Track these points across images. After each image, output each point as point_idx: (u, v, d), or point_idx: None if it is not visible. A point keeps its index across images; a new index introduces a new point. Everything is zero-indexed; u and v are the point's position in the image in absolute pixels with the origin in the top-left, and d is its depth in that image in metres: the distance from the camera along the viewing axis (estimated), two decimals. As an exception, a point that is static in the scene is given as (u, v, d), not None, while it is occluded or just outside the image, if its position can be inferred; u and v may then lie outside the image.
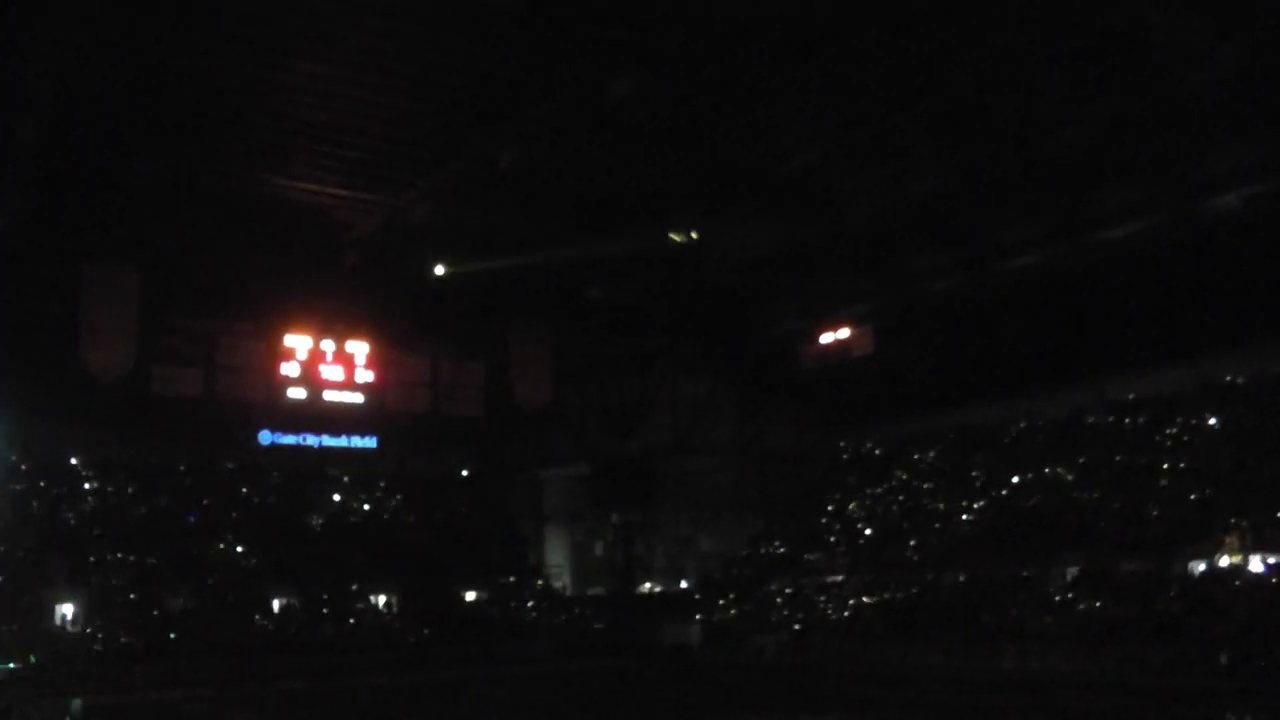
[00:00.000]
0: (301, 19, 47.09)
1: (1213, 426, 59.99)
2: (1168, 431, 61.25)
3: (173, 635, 62.40)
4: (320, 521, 77.19)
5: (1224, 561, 51.45)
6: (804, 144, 58.87)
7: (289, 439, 76.90)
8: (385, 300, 72.78)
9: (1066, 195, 61.79)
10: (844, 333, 77.41)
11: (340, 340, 76.46)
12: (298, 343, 75.19)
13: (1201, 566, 52.15)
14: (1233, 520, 52.07)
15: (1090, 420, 66.12)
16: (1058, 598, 55.75)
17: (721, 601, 74.00)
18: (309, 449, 77.74)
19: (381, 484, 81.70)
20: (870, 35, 49.14)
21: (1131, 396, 65.23)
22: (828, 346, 78.31)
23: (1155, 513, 56.46)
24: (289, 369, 74.95)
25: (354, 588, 71.63)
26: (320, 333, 75.57)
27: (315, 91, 52.59)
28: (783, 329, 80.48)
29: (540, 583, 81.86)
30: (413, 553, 75.00)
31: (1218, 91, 51.63)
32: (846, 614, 65.50)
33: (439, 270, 67.59)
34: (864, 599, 65.71)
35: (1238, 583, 49.80)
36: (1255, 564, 50.24)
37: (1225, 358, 60.85)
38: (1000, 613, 56.67)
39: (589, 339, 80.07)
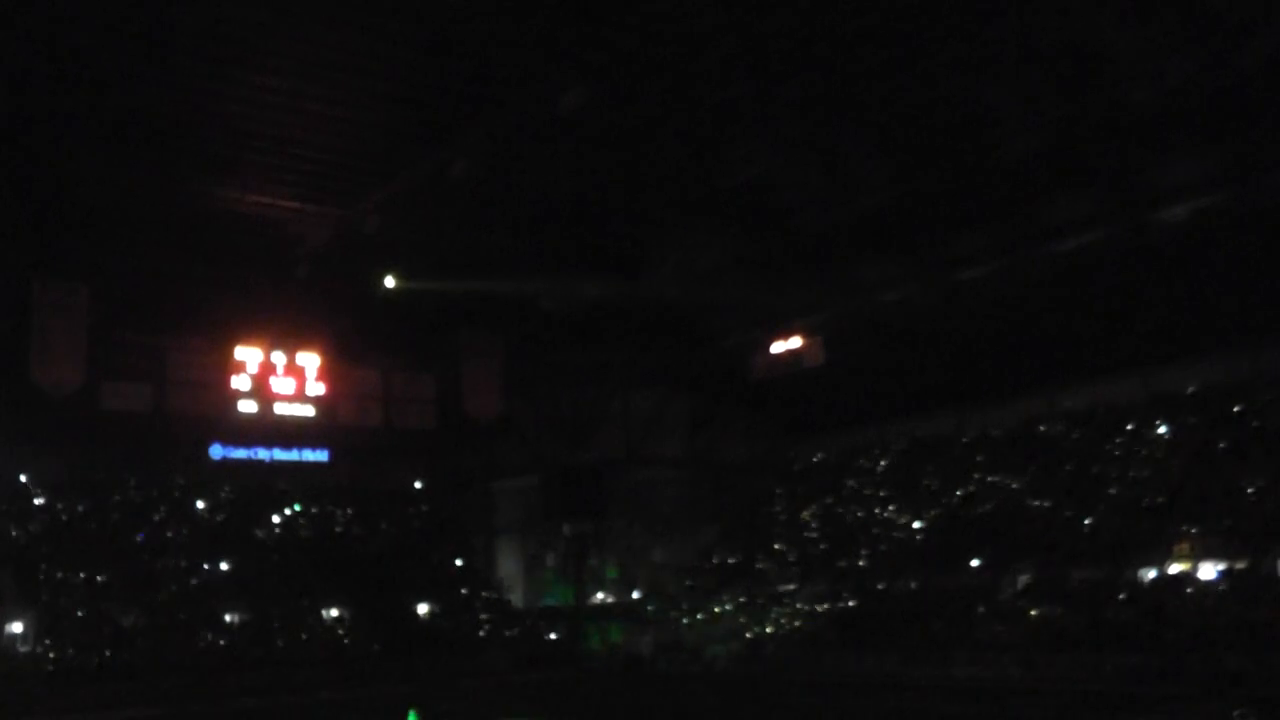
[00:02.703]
0: (250, 31, 46.96)
1: (1162, 435, 60.43)
2: (1118, 441, 61.70)
3: (124, 653, 62.09)
4: (272, 536, 76.92)
5: (1174, 569, 51.86)
6: (754, 154, 59.04)
7: (240, 453, 76.55)
8: (336, 313, 72.47)
9: (1016, 207, 62.08)
10: (795, 343, 77.51)
11: (291, 353, 76.12)
12: (249, 356, 74.84)
13: (1152, 574, 52.54)
14: (1183, 527, 52.51)
15: (1041, 429, 66.51)
16: (1009, 605, 56.12)
17: (674, 612, 74.06)
18: (260, 463, 77.45)
19: (333, 497, 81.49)
20: (821, 46, 49.31)
21: (1082, 406, 65.65)
22: (779, 357, 78.32)
23: (1106, 521, 56.85)
24: (240, 382, 74.51)
25: (305, 602, 71.33)
26: (271, 346, 75.24)
27: (265, 104, 52.43)
28: (734, 340, 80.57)
29: (492, 595, 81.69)
30: (364, 566, 74.77)
31: (1165, 104, 52.03)
32: (799, 623, 65.70)
33: (390, 282, 67.44)
34: (816, 608, 65.95)
35: (1188, 590, 50.26)
36: (1205, 571, 50.65)
37: (1174, 368, 61.29)
38: (952, 621, 56.92)
39: (541, 350, 80.00)
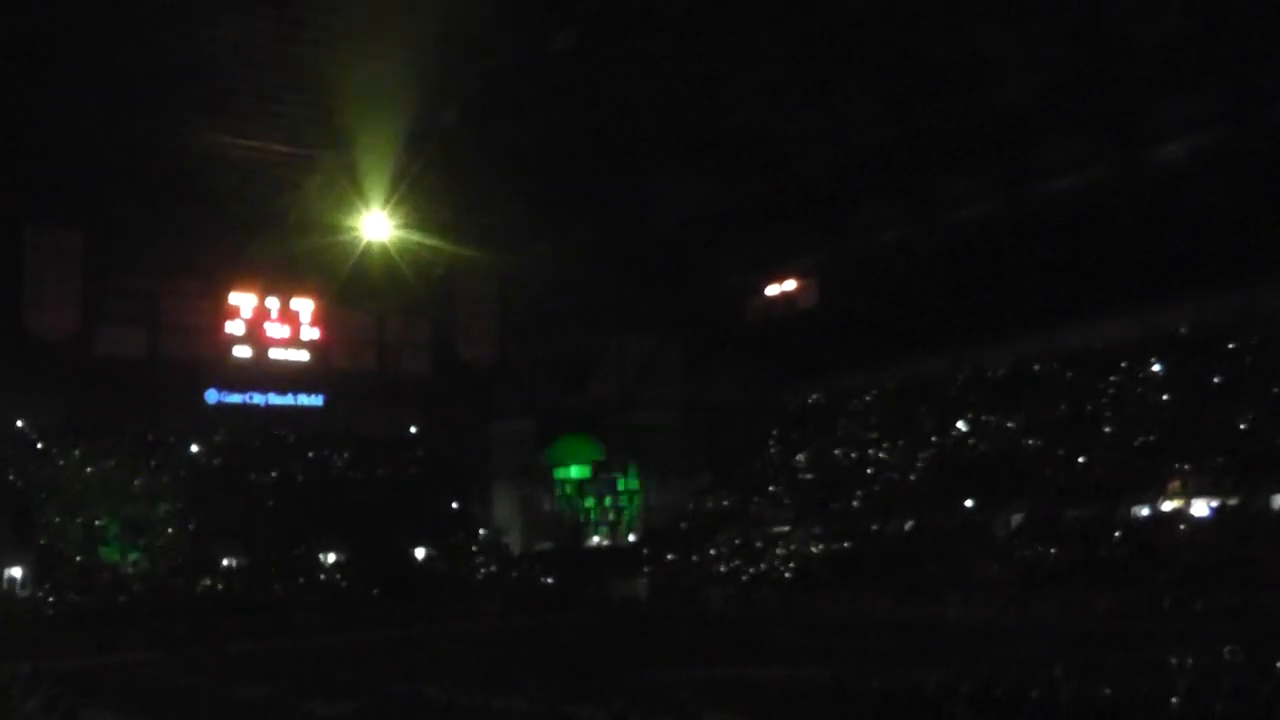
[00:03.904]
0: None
1: (1156, 374, 60.49)
2: (1111, 379, 61.77)
3: (122, 598, 62.23)
4: (268, 481, 77.02)
5: (1167, 506, 51.97)
6: (748, 96, 58.94)
7: (235, 398, 76.80)
8: (331, 257, 72.27)
9: (1011, 147, 62.10)
10: (789, 285, 77.67)
11: (286, 298, 76.29)
12: (243, 301, 75.02)
13: (1145, 511, 52.65)
14: (1176, 465, 52.60)
15: (1035, 369, 66.51)
16: (1003, 545, 56.24)
17: (669, 555, 74.19)
18: (255, 408, 77.69)
19: (329, 442, 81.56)
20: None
21: (1076, 346, 65.64)
22: (773, 300, 78.57)
23: (1099, 460, 56.95)
24: (234, 327, 74.80)
25: (302, 547, 71.48)
26: (266, 291, 75.45)
27: (257, 47, 52.31)
28: (729, 283, 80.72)
29: (488, 539, 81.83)
30: (360, 511, 74.80)
31: (1160, 44, 52.01)
32: (793, 565, 65.74)
33: (385, 227, 67.44)
34: (810, 549, 66.02)
35: (1181, 527, 50.38)
36: (1198, 508, 50.74)
37: (1168, 307, 61.20)
38: (946, 561, 57.01)
39: (536, 295, 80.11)
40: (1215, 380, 57.01)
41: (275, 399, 78.31)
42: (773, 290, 78.66)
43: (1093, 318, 63.75)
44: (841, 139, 62.80)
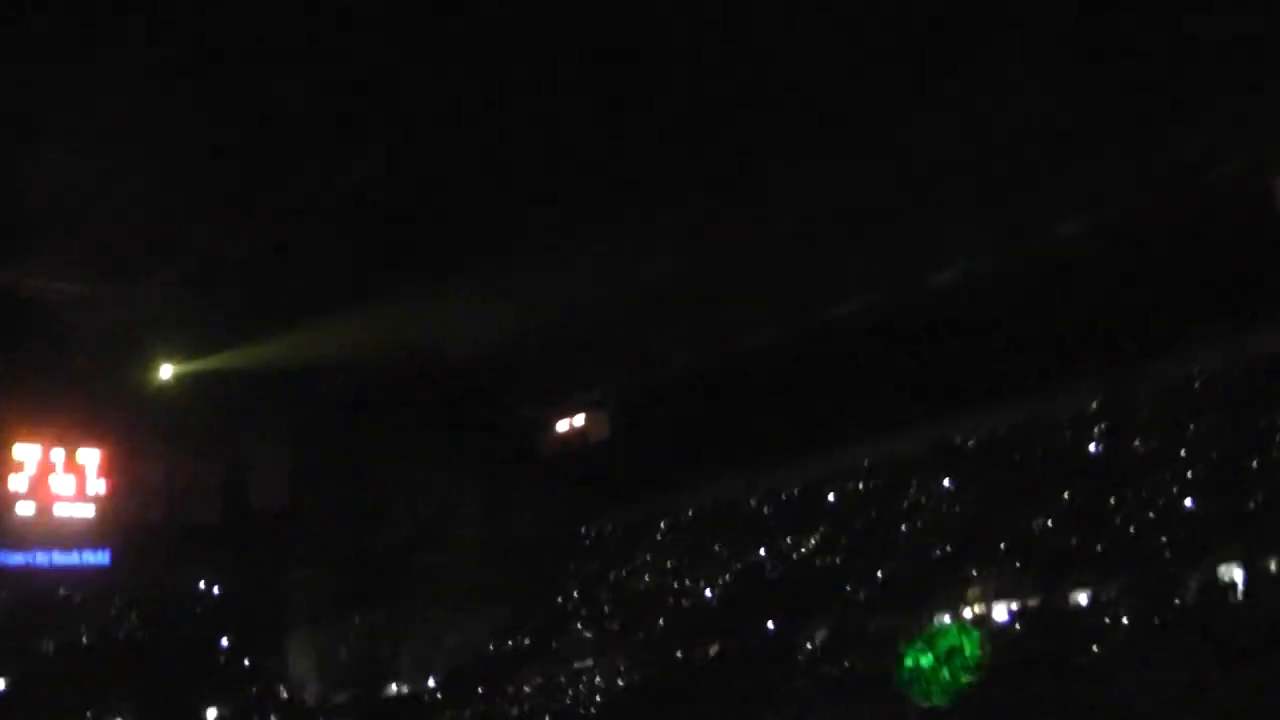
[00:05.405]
0: (26, 97, 45.65)
1: (946, 487, 61.89)
2: (908, 492, 63.06)
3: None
4: (53, 645, 74.78)
5: (968, 612, 52.94)
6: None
7: (18, 558, 74.30)
8: (118, 403, 70.76)
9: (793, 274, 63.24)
10: (580, 419, 78.18)
11: (72, 450, 74.21)
12: (27, 454, 72.84)
13: (947, 618, 53.54)
14: (974, 572, 53.71)
15: (829, 489, 67.65)
16: (809, 659, 56.69)
17: (470, 697, 73.33)
18: (39, 568, 75.20)
19: (116, 600, 79.55)
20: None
21: (866, 463, 67.02)
22: (566, 434, 79.02)
23: (899, 571, 57.92)
24: (17, 483, 72.49)
25: (90, 714, 69.37)
26: (51, 442, 73.36)
27: (38, 177, 51.26)
28: (524, 415, 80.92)
29: (283, 692, 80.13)
30: (150, 671, 72.88)
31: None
32: (599, 699, 65.46)
33: (173, 369, 66.48)
34: (616, 682, 65.85)
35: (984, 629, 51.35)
36: (999, 611, 51.82)
37: (955, 420, 62.90)
38: (752, 680, 57.22)
39: (329, 434, 79.36)
40: (1006, 489, 58.48)
41: (60, 557, 75.82)
42: (564, 425, 79.08)
43: (883, 434, 65.23)
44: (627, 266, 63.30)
